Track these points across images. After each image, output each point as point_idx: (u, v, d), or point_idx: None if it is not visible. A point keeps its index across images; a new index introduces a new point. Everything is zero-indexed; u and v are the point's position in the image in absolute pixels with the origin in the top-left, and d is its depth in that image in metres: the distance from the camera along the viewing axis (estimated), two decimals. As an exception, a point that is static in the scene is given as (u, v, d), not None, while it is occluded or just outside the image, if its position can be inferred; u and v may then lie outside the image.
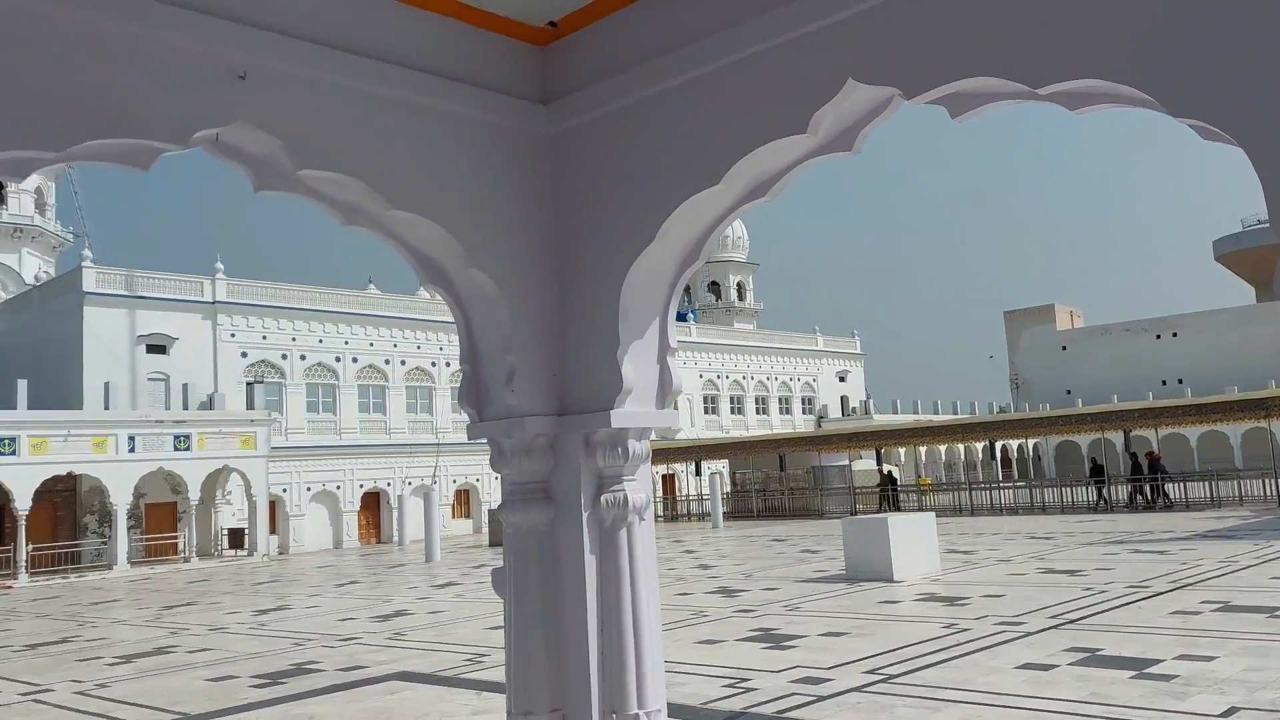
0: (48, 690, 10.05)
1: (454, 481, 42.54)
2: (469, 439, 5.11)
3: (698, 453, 45.48)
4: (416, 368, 42.06)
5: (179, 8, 3.93)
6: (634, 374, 4.75)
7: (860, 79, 3.67)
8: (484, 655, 10.46)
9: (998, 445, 45.90)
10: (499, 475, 5.04)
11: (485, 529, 41.19)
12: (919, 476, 46.39)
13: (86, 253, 34.52)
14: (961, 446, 52.23)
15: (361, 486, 39.52)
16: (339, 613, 15.92)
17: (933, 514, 17.65)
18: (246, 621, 15.47)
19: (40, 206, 42.35)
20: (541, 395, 4.86)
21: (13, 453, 28.22)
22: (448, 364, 43.00)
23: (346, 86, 4.39)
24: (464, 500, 43.53)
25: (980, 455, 53.30)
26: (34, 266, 42.01)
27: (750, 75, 4.07)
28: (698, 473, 47.27)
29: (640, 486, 4.81)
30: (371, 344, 40.61)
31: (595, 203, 4.94)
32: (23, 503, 28.47)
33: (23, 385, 30.25)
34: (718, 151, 4.23)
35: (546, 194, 5.13)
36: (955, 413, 67.48)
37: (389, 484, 40.23)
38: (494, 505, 41.63)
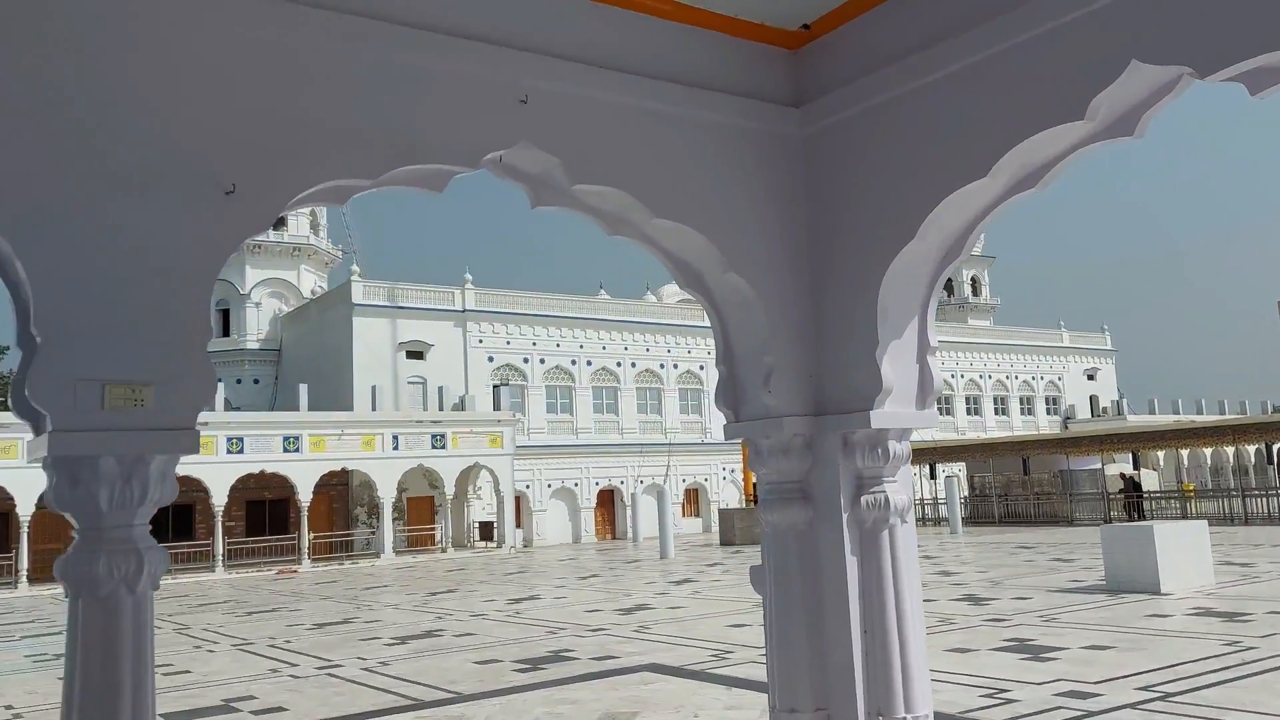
0: (338, 666, 11.15)
1: (683, 481, 43.28)
2: (726, 439, 5.23)
3: (932, 455, 43.97)
4: (646, 370, 43.16)
5: (468, 40, 4.29)
6: (893, 374, 4.70)
7: (1146, 59, 3.48)
8: (729, 652, 10.62)
9: (1275, 448, 41.40)
10: (755, 474, 5.14)
11: (715, 528, 41.65)
12: (1181, 482, 42.53)
13: (355, 268, 37.95)
14: (1230, 449, 47.39)
15: (597, 484, 41.01)
16: (585, 604, 16.63)
17: (1204, 522, 16.17)
18: (502, 609, 16.47)
19: (314, 227, 46.99)
20: (798, 395, 4.90)
21: (296, 449, 31.48)
22: (675, 365, 43.82)
23: (616, 103, 4.63)
24: (693, 499, 44.21)
25: (1253, 459, 48.15)
26: (310, 282, 46.67)
27: (1022, 62, 3.94)
28: (932, 475, 45.68)
29: (901, 488, 4.76)
30: (604, 347, 42.07)
31: (850, 202, 4.93)
32: (305, 495, 31.67)
33: (304, 389, 33.66)
34: (985, 143, 4.11)
35: (799, 196, 5.17)
36: (1222, 412, 61.27)
37: (622, 482, 41.51)
38: (724, 505, 42.03)
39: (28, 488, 26.96)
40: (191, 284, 3.65)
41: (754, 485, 35.95)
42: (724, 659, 10.24)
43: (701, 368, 44.73)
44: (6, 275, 3.58)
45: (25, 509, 27.07)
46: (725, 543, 33.02)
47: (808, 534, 4.88)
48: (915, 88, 4.59)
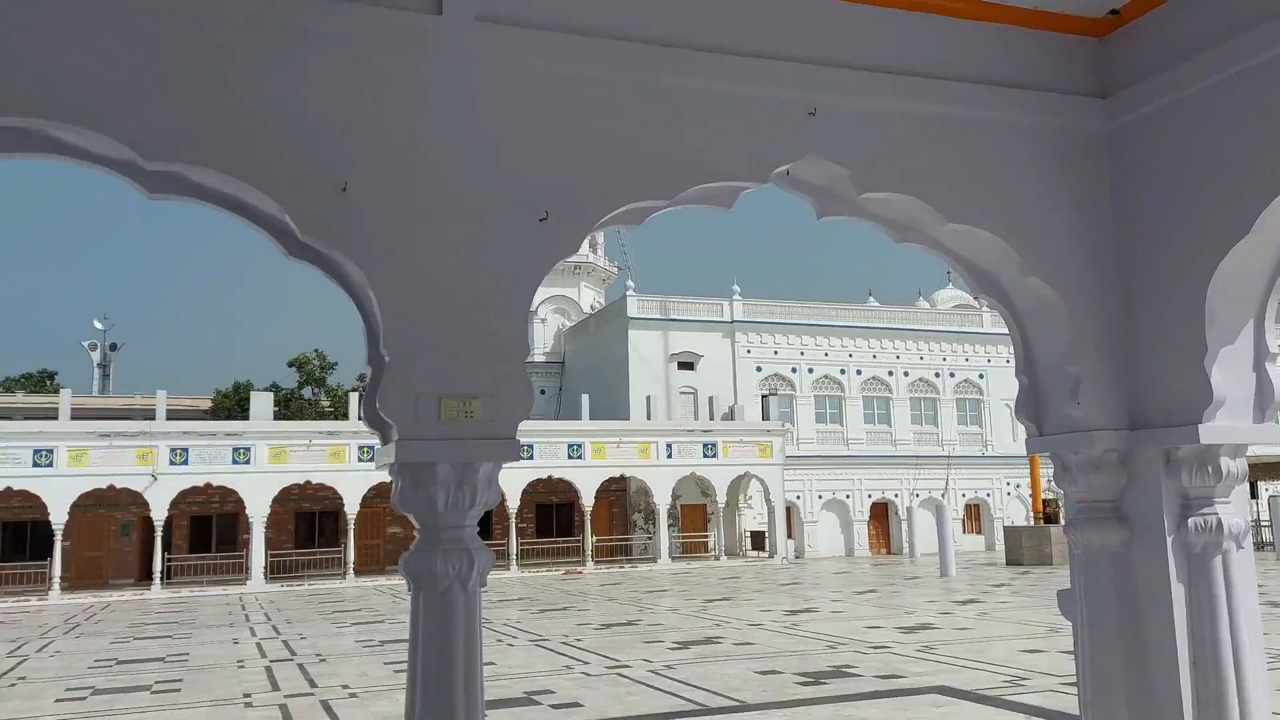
0: (626, 666, 11.63)
1: (963, 496, 41.28)
2: (1027, 453, 4.99)
3: (1252, 472, 39.35)
4: (920, 379, 41.66)
5: (757, 58, 4.39)
6: (1225, 383, 4.30)
7: None
8: (1025, 678, 10.03)
9: None
10: (1062, 492, 4.84)
11: (999, 546, 39.38)
12: None
13: (630, 284, 39.54)
14: None
15: (869, 496, 40.04)
16: (864, 620, 16.29)
17: None
18: (779, 620, 16.48)
19: (593, 246, 49.52)
20: (1110, 408, 4.58)
21: (580, 456, 33.21)
22: (951, 375, 41.94)
23: (905, 110, 4.54)
24: (974, 515, 42.05)
25: None
26: (589, 297, 49.23)
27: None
28: (1253, 495, 40.81)
29: (1236, 510, 4.34)
30: (875, 356, 41.06)
31: (1167, 198, 4.56)
32: (588, 499, 33.32)
33: (585, 399, 35.48)
34: (1333, 126, 3.67)
35: (1104, 194, 4.85)
36: None
37: (896, 495, 40.26)
38: (1008, 522, 39.65)
39: (354, 488, 30.30)
40: (512, 305, 3.99)
41: (1044, 502, 33.64)
42: (1020, 685, 9.67)
43: (981, 376, 42.51)
44: (360, 302, 4.08)
45: (351, 508, 30.40)
46: (1012, 562, 31.13)
47: (1123, 557, 4.56)
48: (1239, 71, 4.21)
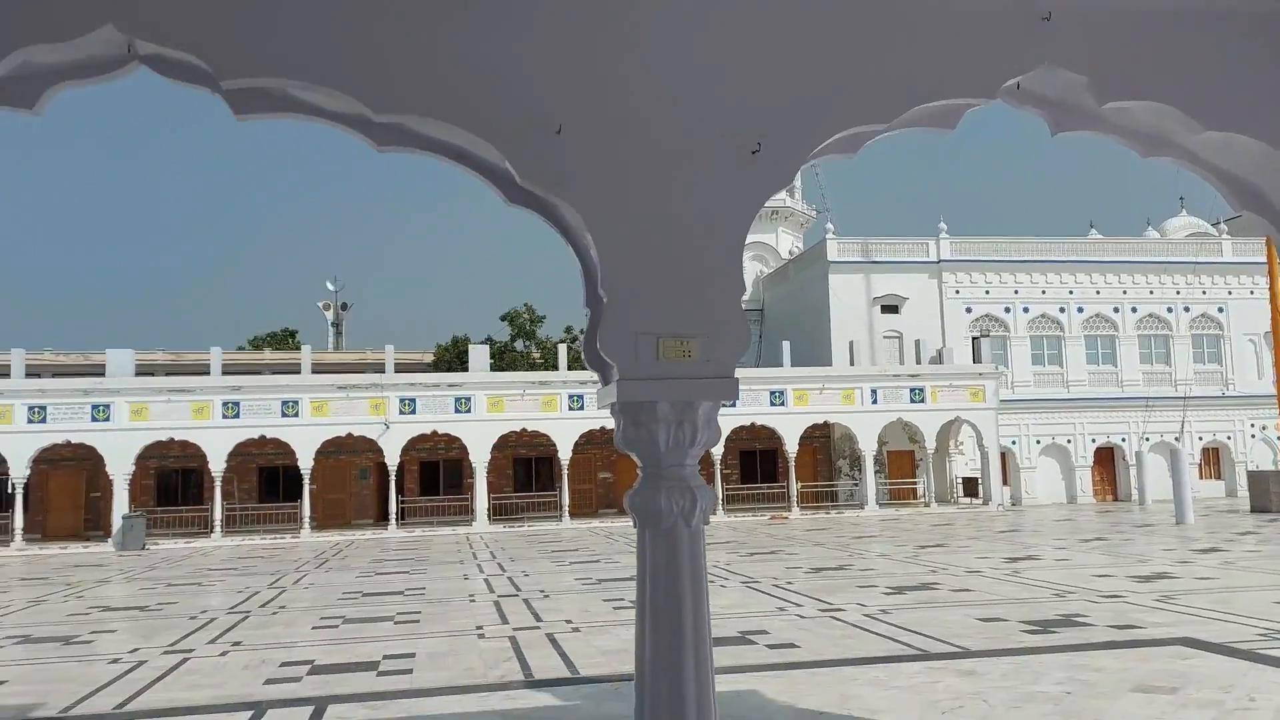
0: (840, 610, 11.52)
1: (1200, 439, 38.08)
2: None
3: None
4: (1150, 315, 38.50)
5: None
6: None
7: None
8: (1282, 634, 9.16)
9: None
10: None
11: (1241, 492, 36.15)
12: None
13: (829, 227, 38.59)
14: None
15: (1093, 441, 37.64)
16: (1092, 568, 15.39)
17: None
18: (999, 567, 15.84)
19: (790, 190, 48.59)
20: None
21: (782, 404, 33.01)
22: (1186, 309, 38.52)
23: (1147, 5, 4.12)
24: (1212, 459, 38.73)
25: None
26: (787, 243, 48.49)
27: None
28: None
29: None
30: (1098, 292, 38.27)
31: None
32: (791, 446, 33.13)
33: (786, 346, 35.11)
34: None
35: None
36: None
37: (1123, 439, 37.64)
38: (1253, 466, 36.27)
39: (566, 436, 31.49)
40: (726, 242, 3.94)
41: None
42: (1278, 639, 8.85)
43: (1220, 310, 38.81)
44: (576, 245, 4.15)
45: (565, 454, 31.65)
46: (1258, 509, 28.49)
47: None
48: None
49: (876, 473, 35.07)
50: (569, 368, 33.14)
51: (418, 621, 11.89)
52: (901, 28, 4.11)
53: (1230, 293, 38.85)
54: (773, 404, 32.87)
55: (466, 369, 33.62)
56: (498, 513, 33.54)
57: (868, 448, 33.53)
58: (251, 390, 30.22)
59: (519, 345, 45.27)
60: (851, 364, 35.25)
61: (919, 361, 35.88)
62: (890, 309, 37.62)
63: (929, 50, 4.09)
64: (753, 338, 44.40)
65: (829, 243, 37.88)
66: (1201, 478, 37.85)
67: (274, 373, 37.33)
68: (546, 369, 38.28)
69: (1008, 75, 4.10)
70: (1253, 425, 38.41)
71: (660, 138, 3.91)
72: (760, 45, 4.03)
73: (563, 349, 34.37)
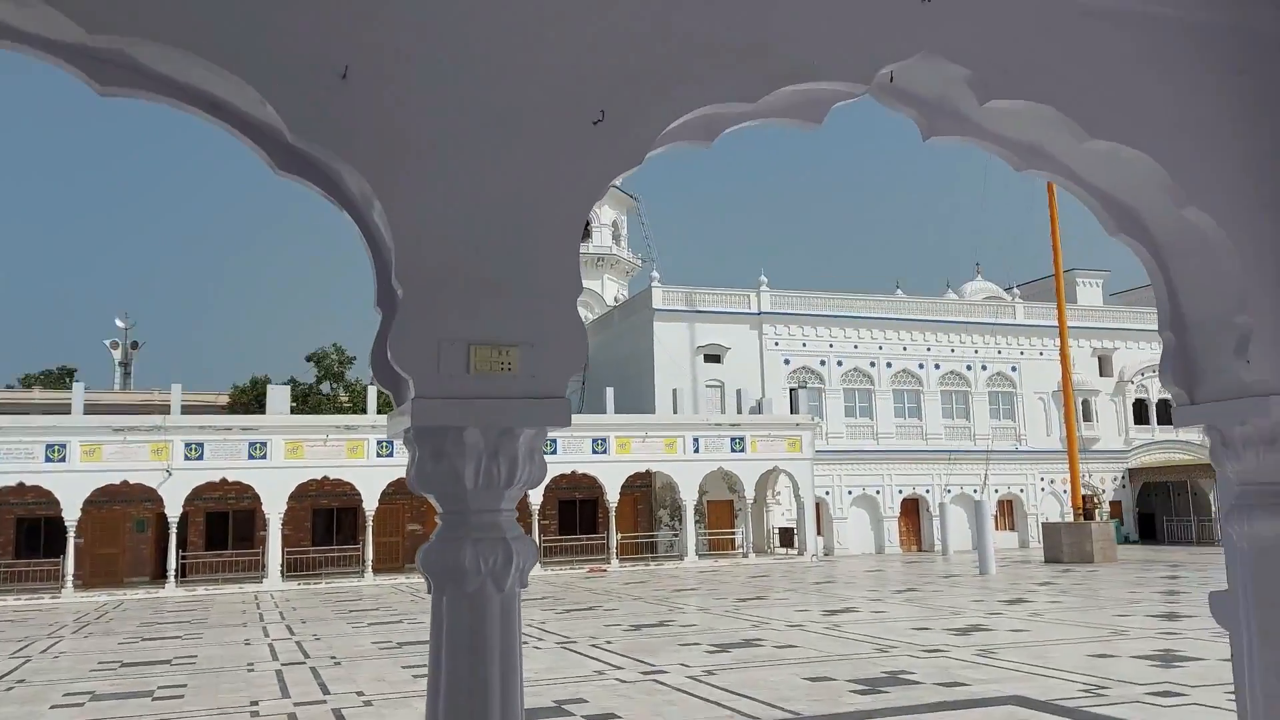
0: (662, 672, 10.78)
1: (996, 491, 40.20)
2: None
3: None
4: (951, 372, 40.59)
5: (859, -69, 3.52)
6: None
7: None
8: (1104, 687, 9.11)
9: None
10: (1222, 472, 3.97)
11: (1034, 543, 38.32)
12: None
13: (655, 275, 38.64)
14: None
15: (900, 492, 39.02)
16: (910, 620, 15.38)
17: None
18: (819, 620, 15.59)
19: (616, 237, 48.65)
20: None
21: (604, 451, 32.36)
22: (984, 367, 40.87)
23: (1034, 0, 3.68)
24: (1007, 511, 40.94)
25: None
26: (613, 290, 48.33)
27: None
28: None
29: None
30: (905, 348, 40.01)
31: None
32: (613, 495, 32.47)
33: (610, 393, 34.61)
34: None
35: (1273, 105, 3.95)
36: None
37: (927, 490, 39.22)
38: (1044, 518, 38.51)
39: (372, 484, 29.57)
40: (562, 228, 3.12)
41: (1083, 498, 32.49)
42: (1100, 695, 8.76)
43: (1013, 369, 41.37)
44: (365, 225, 3.23)
45: (370, 503, 29.69)
46: (1050, 559, 30.08)
47: None
48: None
49: (696, 523, 34.91)
50: (379, 411, 31.34)
51: (182, 697, 10.27)
52: (766, 1, 3.48)
53: (1023, 353, 41.48)
54: (595, 452, 32.18)
55: (265, 412, 31.20)
56: (293, 568, 31.08)
57: (689, 497, 33.32)
58: (10, 431, 26.75)
59: (325, 388, 42.76)
60: (675, 412, 35.15)
61: (740, 411, 36.20)
62: (713, 358, 37.90)
63: (797, 26, 3.48)
64: (575, 384, 43.95)
65: (654, 290, 37.91)
66: (998, 529, 39.87)
67: (44, 413, 33.46)
68: (356, 413, 36.17)
69: (883, 61, 3.53)
70: (1042, 479, 40.87)
71: (480, 90, 3.08)
72: (599, 2, 3.29)
73: (372, 391, 32.55)
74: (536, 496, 31.19)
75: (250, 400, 38.84)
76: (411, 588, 26.57)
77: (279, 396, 31.21)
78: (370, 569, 29.78)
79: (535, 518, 31.77)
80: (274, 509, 28.70)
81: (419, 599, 22.82)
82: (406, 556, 33.55)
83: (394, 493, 30.77)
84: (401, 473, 30.44)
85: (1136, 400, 42.97)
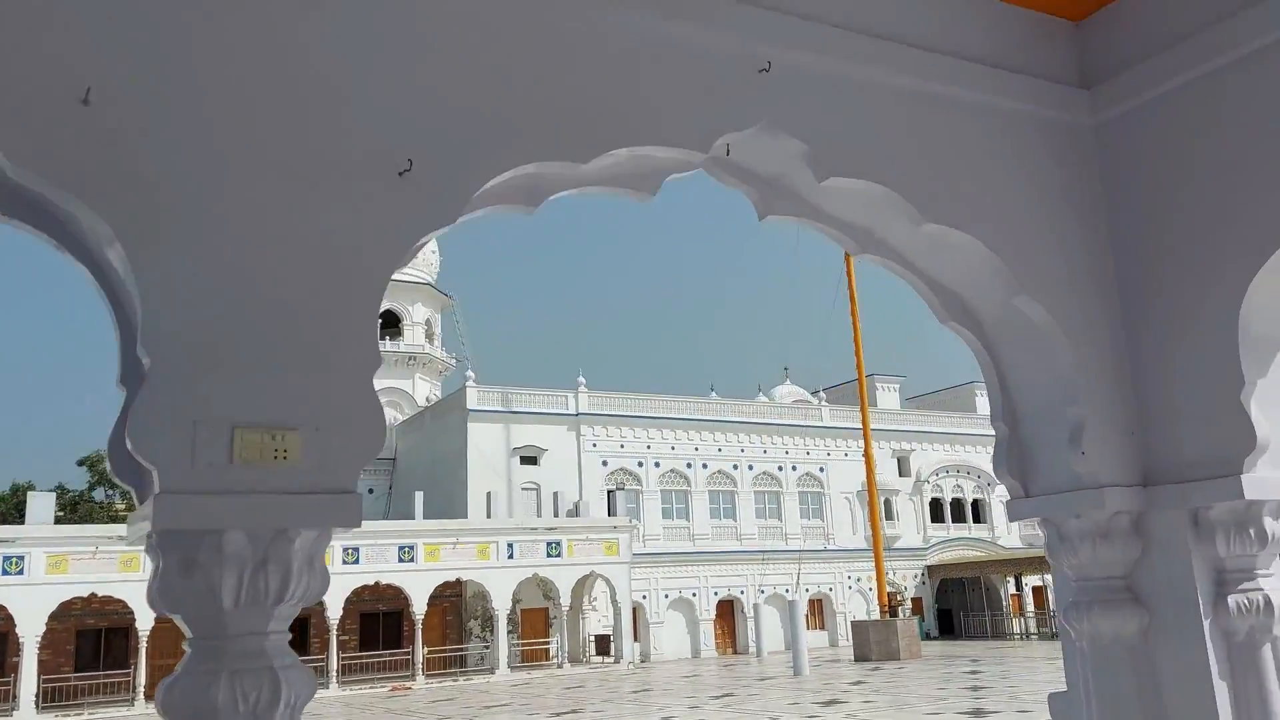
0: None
1: (806, 590, 40.94)
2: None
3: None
4: (764, 472, 41.51)
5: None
6: (1269, 424, 3.42)
7: None
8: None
9: None
10: (1058, 567, 3.85)
11: (843, 641, 39.02)
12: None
13: (470, 374, 37.80)
14: None
15: (715, 594, 39.04)
16: (730, 729, 14.95)
17: None
18: (638, 733, 14.92)
19: (429, 336, 47.51)
20: (1119, 459, 3.66)
21: (411, 559, 30.67)
22: (794, 468, 42.07)
23: (877, 78, 3.56)
24: (816, 610, 41.69)
25: None
26: (424, 390, 46.88)
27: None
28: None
29: (1282, 583, 3.44)
30: (719, 450, 40.66)
31: (1175, 204, 3.76)
32: (419, 606, 30.70)
33: (419, 497, 33.12)
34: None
35: (1096, 198, 4.02)
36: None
37: (742, 591, 39.44)
38: (852, 616, 39.38)
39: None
40: (356, 295, 2.63)
41: (889, 595, 33.50)
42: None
43: (821, 469, 42.77)
44: (106, 280, 2.62)
45: (144, 622, 26.78)
46: (860, 658, 30.62)
47: (1141, 649, 3.59)
48: (1242, 56, 3.49)
49: (510, 633, 33.49)
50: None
51: None
52: (597, 60, 3.19)
53: (829, 454, 42.97)
54: (401, 560, 30.44)
55: (24, 522, 27.87)
56: (51, 698, 27.41)
57: (502, 606, 31.96)
58: None
59: (99, 494, 38.90)
60: (489, 516, 33.99)
61: (556, 514, 35.43)
62: (529, 460, 37.13)
63: (632, 88, 3.20)
64: (382, 489, 41.97)
65: (469, 390, 37.01)
66: (809, 628, 40.43)
67: None
68: (136, 521, 32.90)
69: (721, 130, 3.30)
70: (849, 577, 41.97)
71: (259, 126, 2.58)
72: (423, 40, 2.90)
73: None
74: (335, 610, 29.06)
75: (9, 509, 34.75)
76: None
77: (41, 505, 27.96)
78: (142, 695, 26.68)
79: (334, 633, 29.52)
80: (30, 631, 25.34)
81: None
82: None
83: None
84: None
85: (932, 499, 45.20)
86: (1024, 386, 3.92)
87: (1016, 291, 3.68)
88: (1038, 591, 44.48)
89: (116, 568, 26.62)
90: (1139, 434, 3.69)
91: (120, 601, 26.91)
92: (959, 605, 43.44)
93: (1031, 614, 42.50)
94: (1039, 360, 3.81)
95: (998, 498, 46.39)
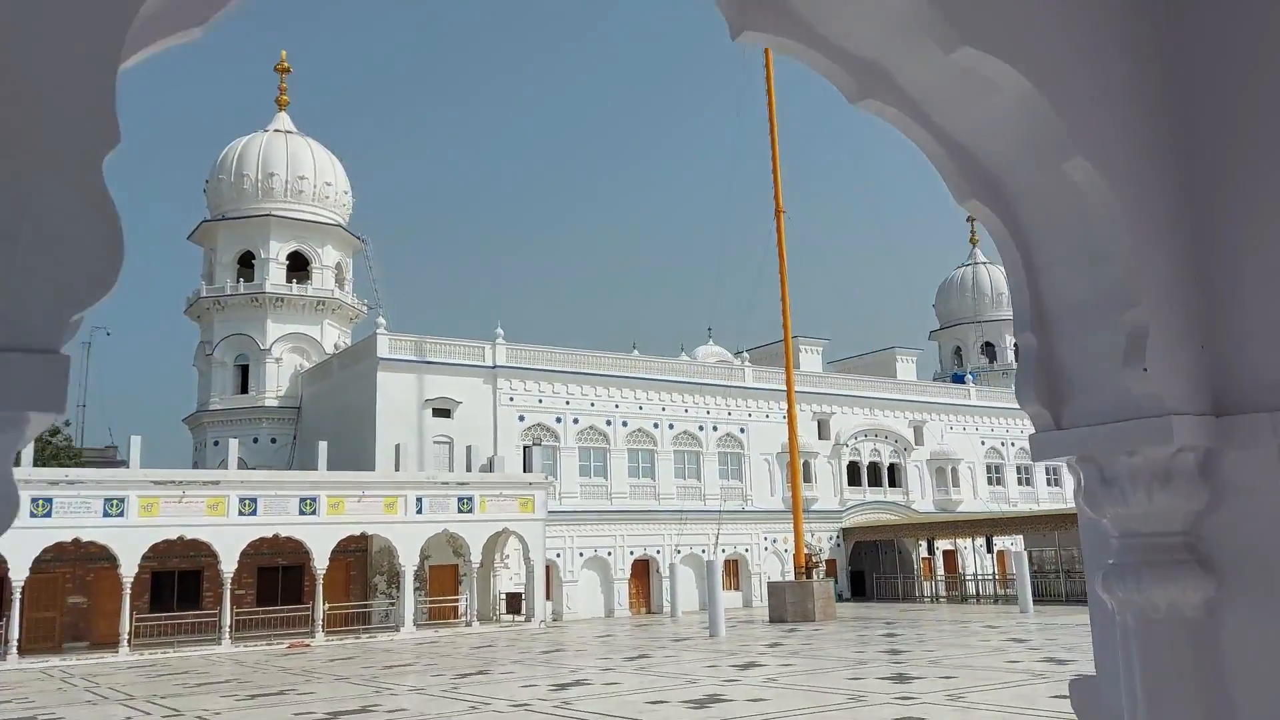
0: (357, 774, 8.80)
1: (724, 551, 40.64)
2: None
3: (986, 527, 41.55)
4: (684, 432, 40.91)
5: None
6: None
7: None
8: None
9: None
10: (1095, 517, 2.91)
11: (757, 602, 38.88)
12: None
13: (381, 321, 36.12)
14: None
15: (631, 554, 38.44)
16: (644, 692, 14.19)
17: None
18: (547, 698, 14.03)
19: (340, 281, 45.38)
20: (1187, 380, 2.71)
21: (313, 512, 29.20)
22: (715, 428, 41.55)
23: None
24: (731, 571, 41.46)
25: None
26: (333, 337, 44.81)
27: None
28: (989, 549, 43.02)
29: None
30: (640, 408, 39.87)
31: (1268, 61, 2.79)
32: (321, 562, 29.31)
33: (323, 447, 31.53)
34: None
35: (1167, 44, 3.02)
36: None
37: (659, 551, 38.92)
38: (769, 578, 39.22)
39: (25, 549, 24.83)
40: (78, 24, 1.52)
41: (806, 557, 33.25)
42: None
43: (742, 430, 42.37)
44: None
45: (19, 573, 24.89)
46: (775, 619, 30.34)
47: (1205, 626, 2.68)
48: None
49: (417, 590, 32.32)
50: (36, 463, 26.62)
51: None
52: None
53: (750, 415, 42.57)
54: (302, 513, 28.97)
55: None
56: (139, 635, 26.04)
57: (409, 562, 30.75)
58: None
59: None
60: (398, 469, 32.61)
61: (470, 469, 34.22)
62: (442, 412, 35.76)
63: None
64: (285, 438, 40.09)
65: (380, 338, 35.38)
66: (724, 589, 40.16)
67: None
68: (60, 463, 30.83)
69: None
70: (766, 539, 41.81)
71: None
72: None
73: (135, 440, 27.80)
74: (230, 564, 27.52)
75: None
76: (66, 672, 22.25)
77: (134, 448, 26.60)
78: (15, 649, 24.86)
79: (228, 587, 27.99)
80: (128, 571, 25.58)
81: (72, 685, 18.94)
82: (67, 633, 28.56)
83: (52, 559, 26.10)
84: (58, 535, 25.70)
85: (850, 462, 45.27)
86: (1064, 284, 2.93)
87: (1069, 153, 2.68)
88: (949, 555, 45.13)
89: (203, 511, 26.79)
90: (1210, 350, 2.76)
91: (205, 544, 27.21)
92: (871, 568, 43.76)
93: (941, 578, 43.04)
94: (1088, 249, 2.83)
95: (913, 462, 46.74)
